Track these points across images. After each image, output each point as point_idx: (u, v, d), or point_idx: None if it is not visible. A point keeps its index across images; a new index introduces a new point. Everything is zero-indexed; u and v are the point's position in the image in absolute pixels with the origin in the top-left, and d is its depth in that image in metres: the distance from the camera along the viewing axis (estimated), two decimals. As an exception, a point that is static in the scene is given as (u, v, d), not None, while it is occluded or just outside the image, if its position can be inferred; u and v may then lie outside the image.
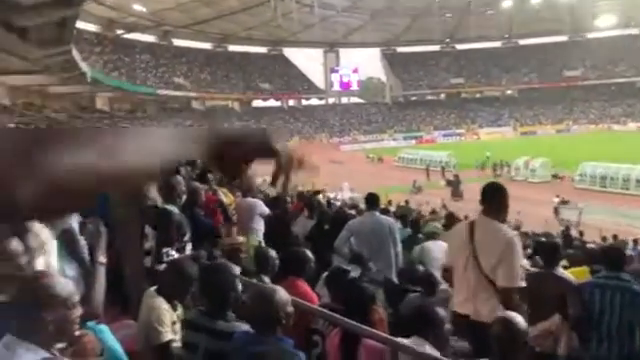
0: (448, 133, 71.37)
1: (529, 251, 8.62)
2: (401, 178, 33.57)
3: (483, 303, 3.24)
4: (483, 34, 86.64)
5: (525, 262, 5.55)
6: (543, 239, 10.16)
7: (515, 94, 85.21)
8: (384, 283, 4.91)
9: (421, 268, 4.84)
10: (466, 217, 16.12)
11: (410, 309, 3.62)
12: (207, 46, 77.10)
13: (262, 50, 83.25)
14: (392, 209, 14.32)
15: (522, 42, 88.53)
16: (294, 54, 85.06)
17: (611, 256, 3.85)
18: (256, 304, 2.57)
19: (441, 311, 2.99)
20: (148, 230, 3.79)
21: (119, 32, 63.10)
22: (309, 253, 3.83)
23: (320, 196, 20.32)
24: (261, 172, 6.45)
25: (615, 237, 13.71)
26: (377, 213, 5.84)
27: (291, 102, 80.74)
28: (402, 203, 19.43)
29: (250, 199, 6.74)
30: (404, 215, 11.19)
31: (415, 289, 4.30)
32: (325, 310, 3.27)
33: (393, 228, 5.67)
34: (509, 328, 2.48)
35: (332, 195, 22.18)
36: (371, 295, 3.65)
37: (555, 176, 32.10)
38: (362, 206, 15.63)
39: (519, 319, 2.53)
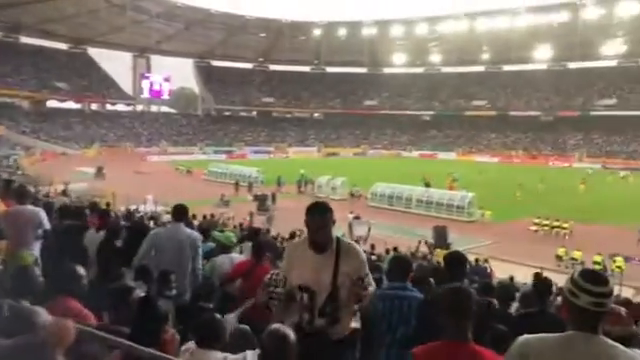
0: (258, 150, 72.98)
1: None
2: (210, 192, 33.17)
3: None
4: (294, 58, 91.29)
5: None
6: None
7: (321, 117, 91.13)
8: (177, 300, 4.68)
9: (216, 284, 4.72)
10: (268, 231, 16.56)
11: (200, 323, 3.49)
12: (-7, 34, 67.60)
13: (62, 46, 75.77)
14: (196, 222, 13.98)
15: (329, 69, 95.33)
16: (100, 55, 79.32)
17: (399, 267, 4.14)
18: (14, 327, 2.22)
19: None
20: None
21: None
22: (81, 269, 3.43)
23: (123, 208, 19.03)
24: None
25: (395, 249, 15.29)
26: (182, 225, 5.54)
27: (94, 106, 74.84)
28: (208, 217, 19.10)
29: (28, 208, 5.93)
30: (207, 229, 10.96)
31: (209, 306, 4.16)
32: (102, 332, 2.94)
33: (197, 242, 5.44)
34: (279, 341, 2.42)
35: (134, 207, 20.87)
36: (163, 314, 3.43)
37: (352, 194, 34.89)
38: (165, 218, 14.99)
39: (288, 331, 2.47)
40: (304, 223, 3.10)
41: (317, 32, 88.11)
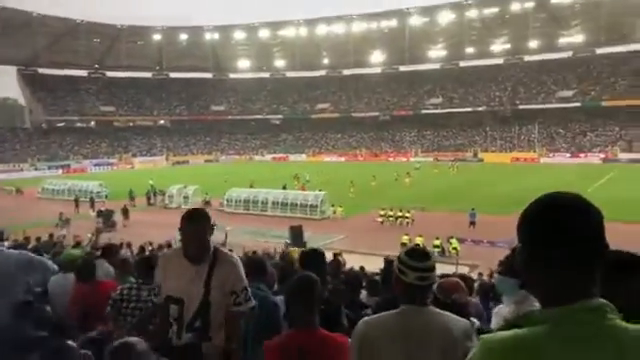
0: (100, 162, 68.06)
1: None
2: (46, 211, 30.16)
3: None
4: (134, 63, 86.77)
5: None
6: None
7: (167, 124, 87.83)
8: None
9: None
10: (121, 245, 15.54)
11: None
12: None
13: None
14: (30, 245, 12.63)
15: (172, 75, 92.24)
16: None
17: (252, 268, 4.12)
18: None
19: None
20: None
21: None
22: None
23: None
24: None
25: (254, 252, 15.31)
26: (4, 249, 4.92)
27: None
28: (46, 238, 17.36)
29: None
30: (47, 251, 9.97)
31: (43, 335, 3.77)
32: None
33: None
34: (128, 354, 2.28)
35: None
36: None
37: (207, 202, 34.14)
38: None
39: (136, 341, 2.32)
40: (178, 231, 2.89)
41: (157, 37, 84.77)
